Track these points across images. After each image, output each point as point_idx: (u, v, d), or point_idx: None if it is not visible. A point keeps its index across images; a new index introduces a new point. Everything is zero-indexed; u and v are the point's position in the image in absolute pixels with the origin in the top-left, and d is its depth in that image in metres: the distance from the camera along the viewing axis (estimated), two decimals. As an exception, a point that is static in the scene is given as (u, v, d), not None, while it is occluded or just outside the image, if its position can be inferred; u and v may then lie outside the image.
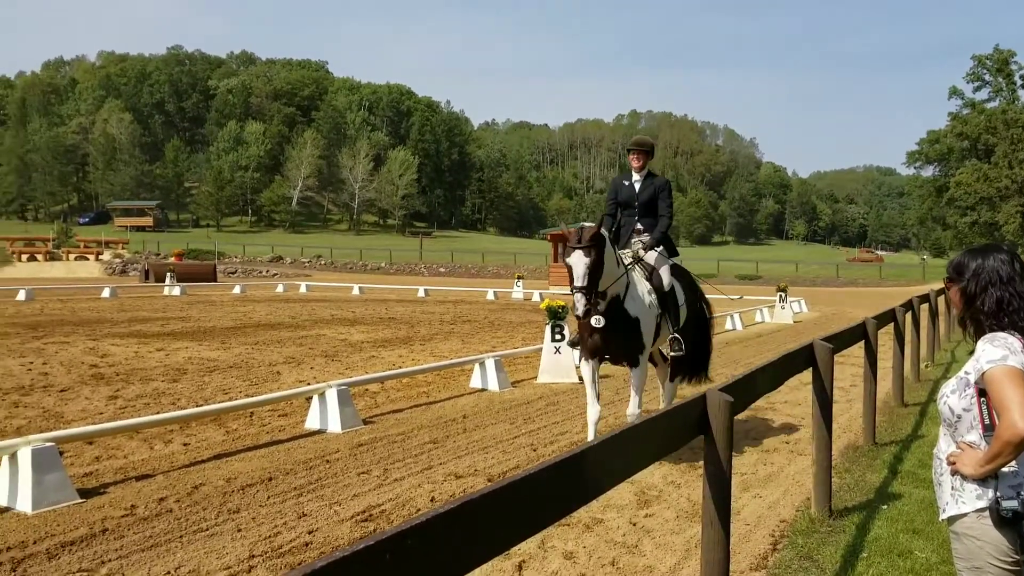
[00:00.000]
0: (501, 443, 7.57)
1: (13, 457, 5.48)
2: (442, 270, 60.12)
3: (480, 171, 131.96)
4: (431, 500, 5.78)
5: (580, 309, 6.09)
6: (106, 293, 28.28)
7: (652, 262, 7.22)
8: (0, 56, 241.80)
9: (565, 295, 29.36)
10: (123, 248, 58.89)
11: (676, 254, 7.64)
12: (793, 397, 9.94)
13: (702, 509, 3.47)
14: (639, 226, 7.41)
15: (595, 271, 6.11)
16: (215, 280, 40.86)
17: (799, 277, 56.32)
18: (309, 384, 9.46)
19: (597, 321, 6.38)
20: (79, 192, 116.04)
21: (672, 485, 6.24)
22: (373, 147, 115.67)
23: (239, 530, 5.05)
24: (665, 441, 3.18)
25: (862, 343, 7.71)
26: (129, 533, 4.97)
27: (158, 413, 8.09)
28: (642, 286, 6.86)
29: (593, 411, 6.79)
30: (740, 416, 3.82)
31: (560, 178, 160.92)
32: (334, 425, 7.90)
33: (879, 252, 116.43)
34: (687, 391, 7.80)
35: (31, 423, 7.89)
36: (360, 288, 35.19)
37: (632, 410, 6.87)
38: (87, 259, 54.31)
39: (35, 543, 4.76)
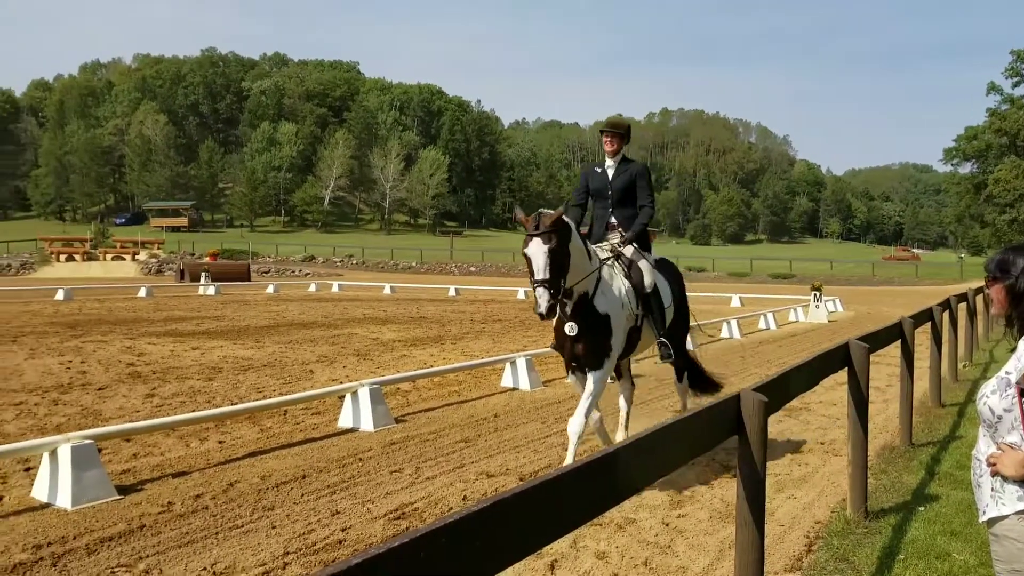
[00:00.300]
0: (532, 442, 7.57)
1: (53, 454, 5.59)
2: (473, 269, 60.21)
3: (510, 170, 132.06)
4: (463, 499, 5.80)
5: (542, 306, 5.26)
6: (142, 293, 28.69)
7: (630, 256, 6.49)
8: (39, 59, 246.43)
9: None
10: (159, 248, 59.68)
11: (649, 251, 6.74)
12: (828, 397, 9.83)
13: (736, 510, 3.44)
14: (613, 219, 6.66)
15: (558, 262, 5.34)
16: (249, 280, 41.28)
17: (834, 276, 55.68)
18: (342, 383, 9.53)
19: (571, 329, 5.73)
20: (116, 193, 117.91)
21: (705, 485, 6.20)
22: (404, 147, 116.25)
23: (273, 527, 5.10)
24: (698, 441, 3.16)
25: (898, 343, 7.60)
26: (166, 529, 5.04)
27: (194, 411, 8.20)
28: (617, 283, 6.12)
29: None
30: (774, 416, 3.79)
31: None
32: (366, 423, 7.95)
33: (915, 250, 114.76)
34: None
35: (70, 421, 8.02)
36: (391, 287, 35.37)
37: (575, 425, 5.87)
38: (124, 259, 55.11)
39: (75, 539, 4.85)
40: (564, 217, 5.49)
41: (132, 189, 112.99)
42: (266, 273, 51.72)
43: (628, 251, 6.45)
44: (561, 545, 4.71)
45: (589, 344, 5.83)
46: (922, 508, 5.59)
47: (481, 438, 7.67)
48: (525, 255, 5.41)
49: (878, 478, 6.34)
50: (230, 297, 29.44)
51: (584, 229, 6.52)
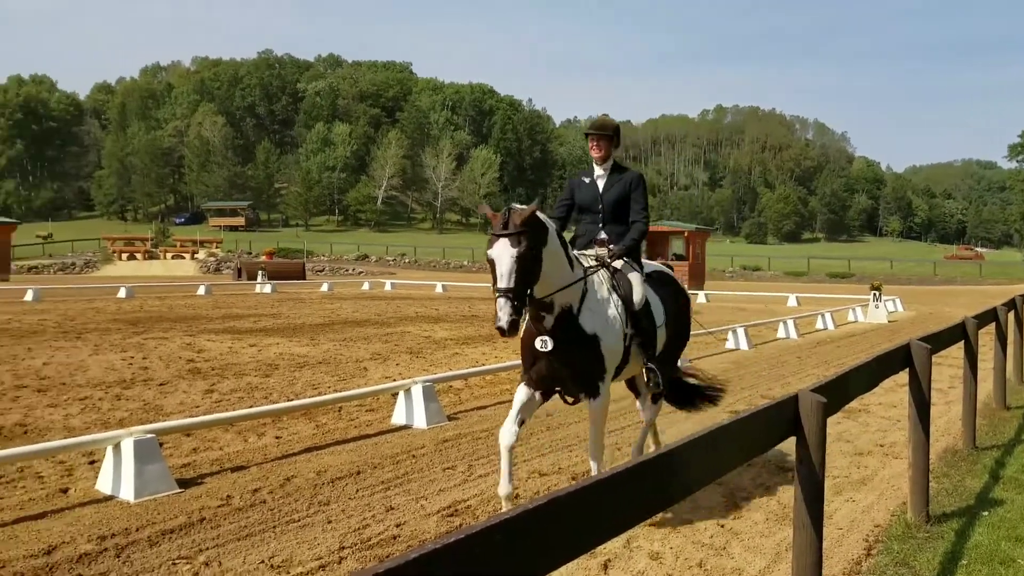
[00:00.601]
0: (584, 441, 7.54)
1: (117, 448, 5.73)
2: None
3: (562, 168, 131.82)
4: (515, 497, 5.81)
5: (503, 320, 4.41)
6: (201, 291, 29.31)
7: (619, 267, 5.62)
8: (101, 63, 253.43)
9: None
10: (217, 247, 60.97)
11: (641, 268, 5.76)
12: (888, 399, 9.62)
13: (793, 512, 3.39)
14: (603, 235, 5.75)
15: (527, 269, 4.53)
16: (304, 278, 41.93)
17: (894, 275, 54.52)
18: (395, 380, 9.62)
19: (543, 344, 4.89)
20: (175, 193, 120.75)
21: (761, 487, 6.12)
22: (456, 146, 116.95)
23: (329, 522, 5.17)
24: (755, 442, 3.12)
25: (961, 343, 7.41)
26: (225, 523, 5.14)
27: (251, 407, 8.35)
28: (605, 296, 5.26)
29: (508, 431, 5.07)
30: (832, 418, 3.72)
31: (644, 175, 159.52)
32: (419, 421, 8.01)
33: (979, 249, 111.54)
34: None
35: (132, 415, 8.23)
36: (443, 286, 35.59)
37: (595, 466, 5.30)
38: (183, 258, 56.45)
39: (137, 531, 4.97)
40: (539, 214, 4.72)
41: (191, 189, 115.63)
42: (320, 272, 52.44)
43: (618, 264, 5.59)
44: (615, 545, 4.69)
45: (579, 367, 5.02)
46: (986, 513, 5.44)
47: (533, 437, 7.67)
48: (488, 258, 4.63)
49: (940, 482, 6.19)
50: (286, 295, 29.92)
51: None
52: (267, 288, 32.03)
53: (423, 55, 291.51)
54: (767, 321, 18.94)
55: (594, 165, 5.88)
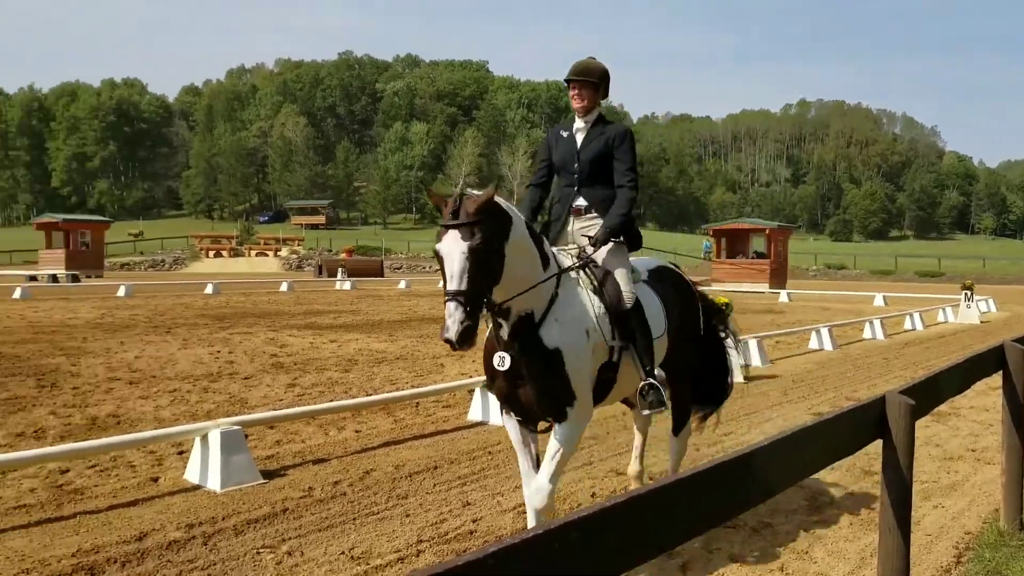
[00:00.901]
0: (663, 442, 7.47)
1: (204, 439, 5.92)
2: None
3: (640, 166, 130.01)
4: (592, 495, 5.80)
5: (451, 331, 3.57)
6: (284, 287, 30.06)
7: (601, 262, 4.56)
8: (189, 66, 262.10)
9: (729, 292, 28.27)
10: (299, 245, 62.44)
11: (638, 245, 4.83)
12: (980, 402, 9.26)
13: (879, 516, 3.30)
14: (580, 201, 4.74)
15: (482, 266, 3.69)
16: (382, 275, 42.61)
17: (986, 274, 52.46)
18: (471, 377, 9.68)
19: (501, 361, 4.05)
20: (259, 192, 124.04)
21: (845, 491, 5.96)
22: (532, 144, 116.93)
23: (407, 515, 5.24)
24: (840, 444, 3.04)
25: (1061, 345, 7.07)
26: (307, 514, 5.26)
27: (332, 401, 8.53)
28: (581, 301, 4.27)
29: (538, 496, 4.23)
30: (920, 421, 3.59)
31: (723, 171, 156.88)
32: (496, 418, 8.04)
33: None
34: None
35: (219, 408, 8.49)
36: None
37: (536, 500, 4.23)
38: (267, 255, 58.01)
39: (223, 519, 5.13)
40: (498, 200, 3.85)
41: (274, 188, 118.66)
42: (398, 269, 53.21)
43: (601, 255, 4.55)
44: (694, 546, 4.63)
45: (541, 388, 4.08)
46: (1087, 523, 5.19)
47: (610, 435, 7.63)
48: (436, 254, 3.77)
49: (1037, 489, 5.93)
50: (365, 292, 30.45)
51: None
52: (347, 285, 32.65)
53: (499, 54, 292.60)
54: (852, 321, 18.43)
55: (575, 118, 4.87)
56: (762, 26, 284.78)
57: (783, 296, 31.35)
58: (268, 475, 6.09)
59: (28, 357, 11.72)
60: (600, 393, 4.42)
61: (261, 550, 4.63)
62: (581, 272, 4.39)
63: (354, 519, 5.16)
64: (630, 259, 4.73)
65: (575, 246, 4.66)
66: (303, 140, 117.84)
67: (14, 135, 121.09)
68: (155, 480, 5.96)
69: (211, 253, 57.63)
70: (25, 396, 8.85)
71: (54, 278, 35.30)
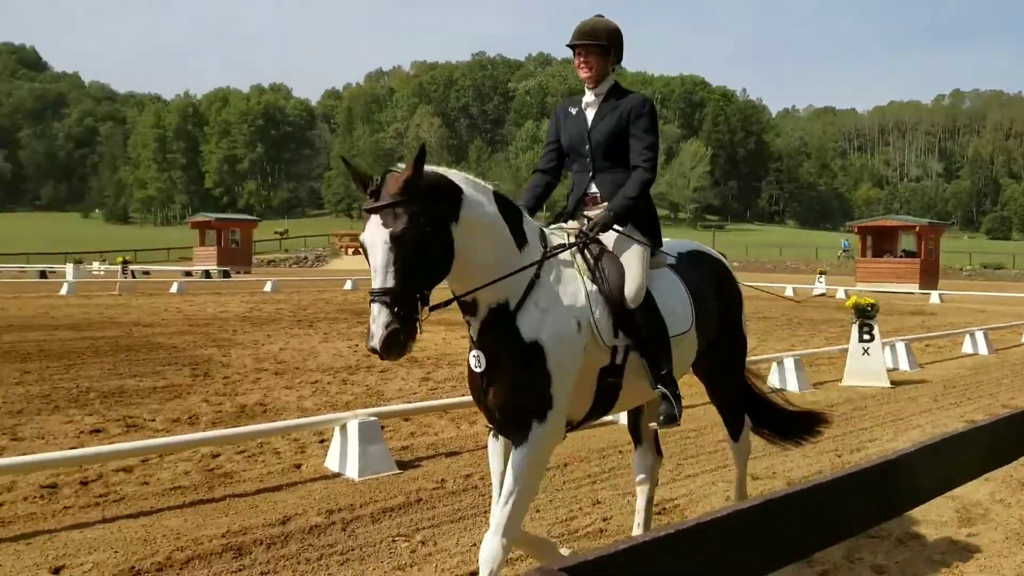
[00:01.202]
0: (801, 446, 7.21)
1: (343, 429, 6.15)
2: (735, 264, 58.05)
3: (778, 160, 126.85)
4: (726, 499, 5.66)
5: (376, 337, 3.00)
6: (419, 284, 30.81)
7: (611, 247, 3.84)
8: (331, 70, 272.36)
9: (875, 292, 27.04)
10: (433, 242, 63.80)
11: (659, 243, 4.05)
12: None
13: (1041, 533, 3.06)
14: (593, 189, 4.07)
15: (413, 256, 3.05)
16: (514, 273, 42.96)
17: None
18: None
19: (477, 361, 3.43)
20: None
21: (1000, 503, 5.58)
22: (665, 140, 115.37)
23: (537, 511, 5.27)
24: (997, 452, 2.84)
25: None
26: (439, 505, 5.38)
27: (464, 396, 8.67)
28: (572, 288, 3.55)
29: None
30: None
31: (869, 166, 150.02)
32: (624, 416, 7.97)
33: None
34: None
35: (357, 399, 8.79)
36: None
37: (487, 551, 3.37)
38: (403, 253, 59.52)
39: (361, 507, 5.30)
40: (443, 172, 3.33)
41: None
42: (530, 267, 53.52)
43: (609, 238, 3.86)
44: (834, 554, 4.44)
45: (511, 389, 3.38)
46: None
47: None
48: (360, 243, 3.21)
49: None
50: (497, 289, 30.82)
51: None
52: (479, 282, 33.12)
53: (632, 49, 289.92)
54: (1011, 324, 17.27)
55: (585, 91, 4.12)
56: (908, 12, 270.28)
57: (934, 297, 29.68)
58: (403, 465, 6.26)
59: (184, 348, 12.50)
60: (603, 403, 3.75)
61: (396, 538, 4.76)
62: (578, 255, 3.68)
63: (484, 512, 5.22)
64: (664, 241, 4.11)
65: (571, 226, 4.00)
66: (437, 140, 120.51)
67: (171, 139, 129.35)
68: (298, 467, 6.23)
69: (350, 251, 59.68)
70: (181, 384, 9.44)
71: (207, 274, 37.45)
